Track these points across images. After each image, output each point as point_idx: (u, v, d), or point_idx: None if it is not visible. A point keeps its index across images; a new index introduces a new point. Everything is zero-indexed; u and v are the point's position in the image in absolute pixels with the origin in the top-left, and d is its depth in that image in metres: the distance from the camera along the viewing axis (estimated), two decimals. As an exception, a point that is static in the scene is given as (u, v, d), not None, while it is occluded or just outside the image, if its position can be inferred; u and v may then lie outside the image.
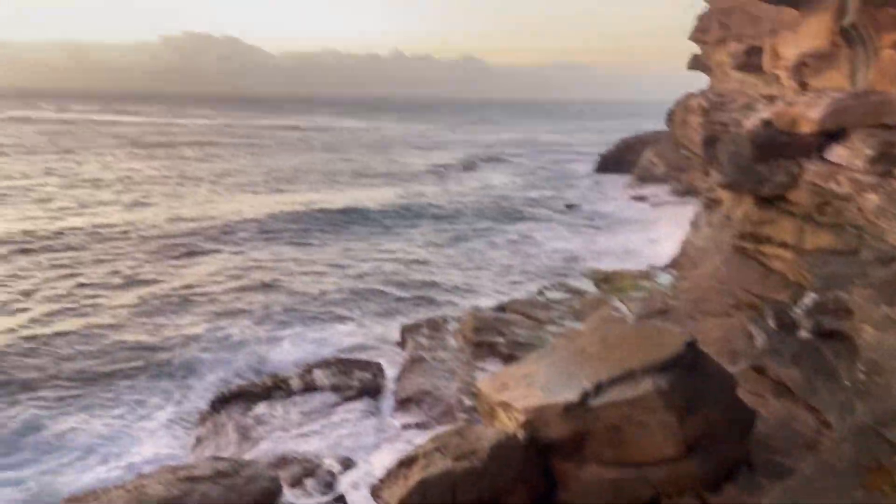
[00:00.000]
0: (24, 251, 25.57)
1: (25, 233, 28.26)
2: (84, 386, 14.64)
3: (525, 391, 9.48)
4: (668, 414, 8.53)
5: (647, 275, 20.14)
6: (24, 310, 19.36)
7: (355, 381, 13.94)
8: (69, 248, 26.27)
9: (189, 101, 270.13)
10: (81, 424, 13.01)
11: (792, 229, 13.63)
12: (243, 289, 21.89)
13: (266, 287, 22.10)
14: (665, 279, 19.04)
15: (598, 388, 8.92)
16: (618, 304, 17.03)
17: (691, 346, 9.42)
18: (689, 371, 9.11)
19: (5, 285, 21.44)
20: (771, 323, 12.13)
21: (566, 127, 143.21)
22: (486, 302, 19.85)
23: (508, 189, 46.98)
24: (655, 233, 29.33)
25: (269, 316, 19.20)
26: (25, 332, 17.49)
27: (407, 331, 16.85)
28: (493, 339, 15.26)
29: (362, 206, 36.54)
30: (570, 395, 8.88)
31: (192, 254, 26.11)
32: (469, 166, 61.62)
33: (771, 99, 23.17)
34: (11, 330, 17.68)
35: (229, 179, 47.33)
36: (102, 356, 16.13)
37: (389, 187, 45.96)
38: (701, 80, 43.17)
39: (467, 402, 12.58)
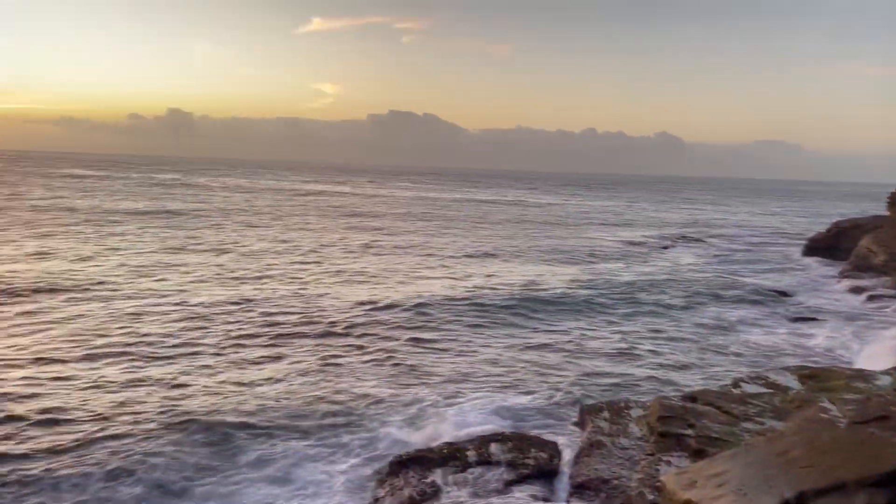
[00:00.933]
0: (235, 303, 28.26)
1: (236, 291, 31.37)
2: (276, 434, 15.61)
3: (715, 491, 8.69)
4: (888, 539, 7.40)
5: (862, 375, 17.97)
6: (232, 353, 21.34)
7: (531, 459, 13.63)
8: (272, 305, 28.57)
9: (390, 173, 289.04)
10: (268, 475, 13.81)
11: None
12: (425, 354, 22.56)
13: (447, 355, 22.62)
14: (885, 381, 16.86)
15: (802, 498, 7.97)
16: (827, 405, 15.30)
17: (919, 461, 8.20)
18: (916, 491, 7.90)
19: (221, 334, 23.70)
20: None
21: (769, 207, 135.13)
22: (673, 388, 18.77)
23: (703, 271, 44.70)
24: (874, 328, 26.40)
25: (450, 384, 19.55)
26: (231, 376, 19.24)
27: (586, 412, 16.25)
28: (681, 430, 14.22)
29: (547, 282, 36.51)
30: (768, 502, 8.03)
31: (374, 319, 27.29)
32: (661, 245, 59.67)
33: None
34: (219, 370, 19.53)
35: (418, 251, 49.40)
36: (295, 406, 17.20)
37: (575, 263, 45.58)
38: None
39: (649, 495, 11.77)
